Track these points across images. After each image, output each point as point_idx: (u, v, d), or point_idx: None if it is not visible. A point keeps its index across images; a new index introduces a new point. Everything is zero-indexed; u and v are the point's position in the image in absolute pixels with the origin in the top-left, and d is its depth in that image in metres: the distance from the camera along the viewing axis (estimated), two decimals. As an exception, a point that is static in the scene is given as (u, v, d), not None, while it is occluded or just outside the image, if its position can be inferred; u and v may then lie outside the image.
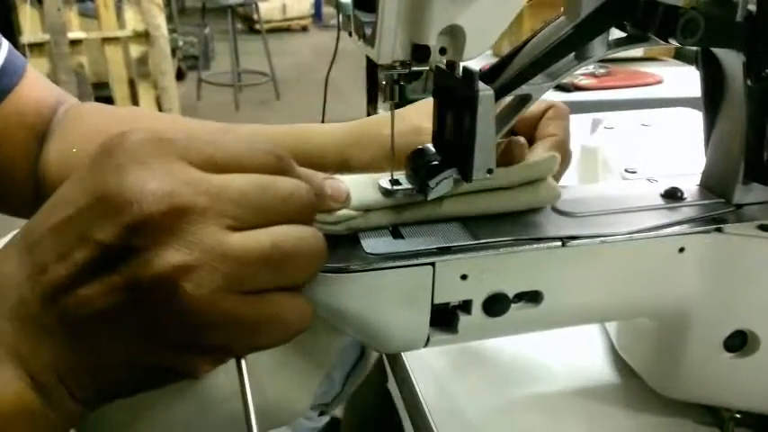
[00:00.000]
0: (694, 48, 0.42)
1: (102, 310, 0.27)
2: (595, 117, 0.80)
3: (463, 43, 0.33)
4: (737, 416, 0.46)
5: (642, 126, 0.64)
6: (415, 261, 0.36)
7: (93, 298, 0.27)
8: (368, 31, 0.35)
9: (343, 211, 0.37)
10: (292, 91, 4.37)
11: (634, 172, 0.50)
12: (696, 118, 0.75)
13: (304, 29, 6.52)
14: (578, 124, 0.99)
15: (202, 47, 4.44)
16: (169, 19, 4.02)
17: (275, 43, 4.96)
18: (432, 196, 0.38)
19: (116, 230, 0.26)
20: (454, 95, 0.37)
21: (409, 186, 0.38)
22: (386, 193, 0.38)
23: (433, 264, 0.36)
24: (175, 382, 0.30)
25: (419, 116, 0.51)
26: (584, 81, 1.44)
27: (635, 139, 0.60)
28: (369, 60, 2.40)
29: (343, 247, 0.37)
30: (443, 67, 0.37)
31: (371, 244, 0.37)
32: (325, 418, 0.81)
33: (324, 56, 3.02)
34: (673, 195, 0.43)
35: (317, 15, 6.73)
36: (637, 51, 1.66)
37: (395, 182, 0.39)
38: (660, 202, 0.43)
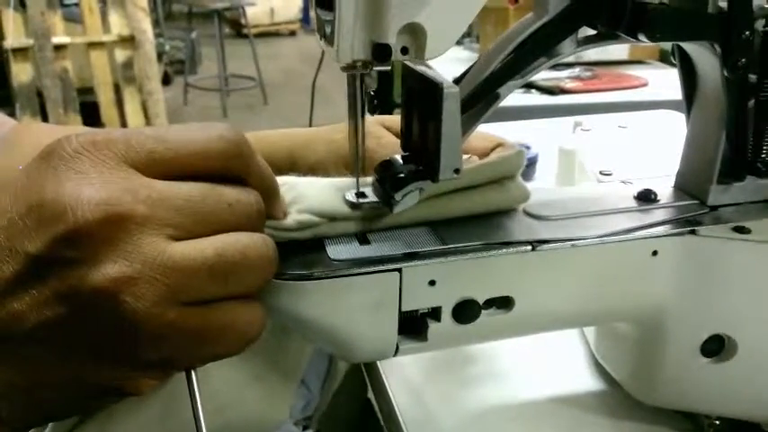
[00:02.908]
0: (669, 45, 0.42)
1: (37, 325, 0.26)
2: (577, 120, 0.79)
3: (424, 42, 0.32)
4: (716, 422, 0.45)
5: (619, 128, 0.63)
6: (381, 267, 0.35)
7: (25, 313, 0.25)
8: (328, 30, 0.33)
9: (307, 217, 0.36)
10: (280, 96, 4.36)
11: (609, 174, 0.49)
12: (676, 120, 0.74)
13: (292, 33, 6.51)
14: (561, 127, 0.99)
15: (189, 51, 4.42)
16: (155, 23, 4.00)
17: (263, 48, 4.96)
18: (397, 209, 0.36)
19: (46, 241, 0.25)
20: (420, 93, 0.36)
21: (375, 199, 0.37)
22: (352, 206, 0.37)
23: (399, 270, 0.35)
24: (114, 402, 0.29)
25: (369, 122, 0.51)
26: (569, 84, 1.44)
27: (611, 142, 0.59)
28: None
29: (307, 253, 0.36)
30: (411, 66, 0.36)
31: (336, 250, 0.36)
32: (309, 432, 0.80)
33: (312, 60, 3.01)
34: (646, 197, 0.42)
35: (305, 20, 6.72)
36: (622, 54, 1.66)
37: (360, 194, 0.37)
38: (633, 204, 0.42)
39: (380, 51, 0.32)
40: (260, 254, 0.29)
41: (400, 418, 0.48)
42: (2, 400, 0.27)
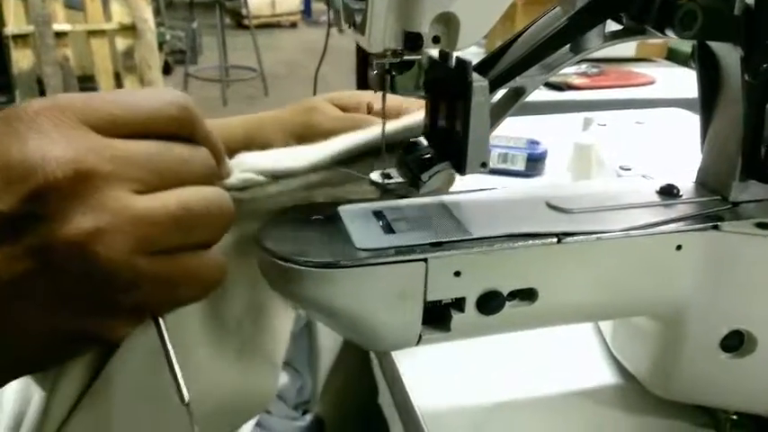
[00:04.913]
0: (688, 47, 0.42)
1: (10, 280, 0.26)
2: (587, 116, 0.79)
3: (457, 31, 0.32)
4: (734, 417, 0.45)
5: (636, 124, 0.63)
6: (407, 257, 0.35)
7: None
8: (358, 18, 0.33)
9: (249, 175, 0.36)
10: (281, 87, 4.35)
11: (629, 169, 0.49)
12: (689, 118, 0.74)
13: (293, 24, 6.49)
14: (570, 123, 0.99)
15: (190, 41, 4.40)
16: (156, 12, 3.99)
17: (264, 39, 4.93)
18: (424, 190, 0.37)
19: (17, 199, 0.26)
20: (447, 87, 0.36)
21: (401, 180, 0.37)
22: (378, 186, 0.37)
23: (425, 260, 0.35)
24: (91, 349, 0.30)
25: (317, 99, 0.55)
26: (576, 80, 1.44)
27: (629, 137, 0.60)
28: (358, 57, 2.38)
29: (332, 241, 0.36)
30: (436, 58, 0.36)
31: (362, 239, 0.36)
32: (310, 416, 0.80)
33: (313, 52, 3.01)
34: (669, 192, 0.43)
35: (306, 11, 6.71)
36: (629, 51, 1.66)
37: (386, 175, 0.38)
38: (656, 199, 0.42)
39: (412, 40, 0.32)
40: (219, 206, 0.31)
41: (417, 411, 0.48)
42: None
